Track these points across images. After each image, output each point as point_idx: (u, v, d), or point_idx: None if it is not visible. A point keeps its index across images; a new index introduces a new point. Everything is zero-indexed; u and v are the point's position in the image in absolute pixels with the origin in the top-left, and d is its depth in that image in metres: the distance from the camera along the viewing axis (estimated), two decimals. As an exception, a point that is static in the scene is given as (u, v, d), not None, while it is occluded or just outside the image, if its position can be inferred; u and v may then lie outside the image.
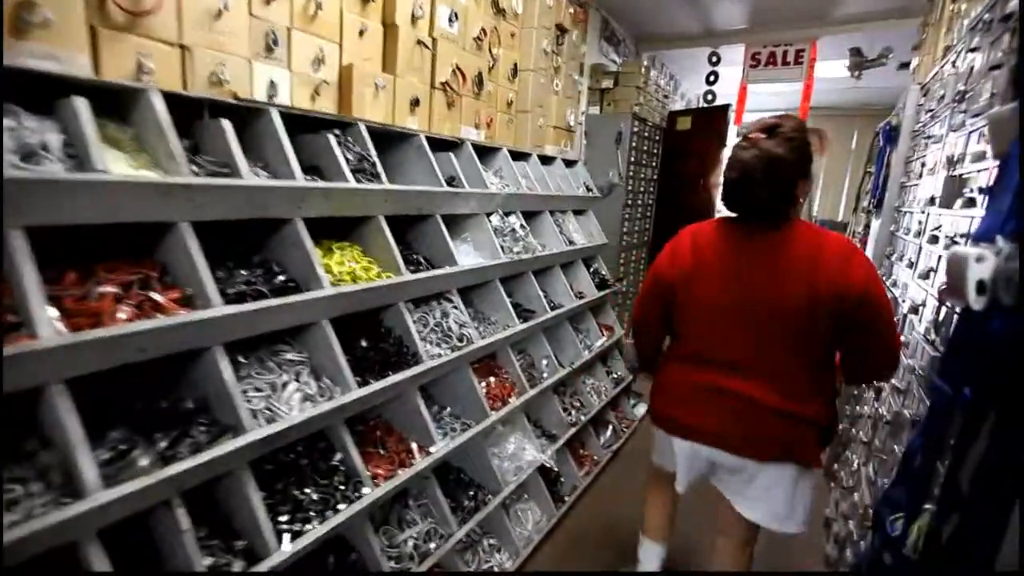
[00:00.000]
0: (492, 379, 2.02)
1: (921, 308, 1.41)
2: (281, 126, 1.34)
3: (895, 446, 1.38)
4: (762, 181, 1.15)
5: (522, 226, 2.22)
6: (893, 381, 1.55)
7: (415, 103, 1.88)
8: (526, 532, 2.01)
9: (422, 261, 1.76)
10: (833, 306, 1.12)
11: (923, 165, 1.82)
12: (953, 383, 0.74)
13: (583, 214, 3.06)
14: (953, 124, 1.41)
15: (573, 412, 2.47)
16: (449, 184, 1.89)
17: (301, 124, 1.49)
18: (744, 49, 3.98)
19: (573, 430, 2.40)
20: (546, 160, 2.75)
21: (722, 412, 1.29)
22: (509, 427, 2.10)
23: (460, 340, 1.76)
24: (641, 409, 3.33)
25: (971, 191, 1.17)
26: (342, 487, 1.32)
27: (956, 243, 1.19)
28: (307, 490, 1.25)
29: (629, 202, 4.07)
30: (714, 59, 4.19)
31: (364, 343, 1.55)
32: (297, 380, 1.34)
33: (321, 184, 1.38)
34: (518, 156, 2.50)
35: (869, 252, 2.59)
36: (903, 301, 1.71)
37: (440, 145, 2.00)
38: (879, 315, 1.10)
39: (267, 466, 1.27)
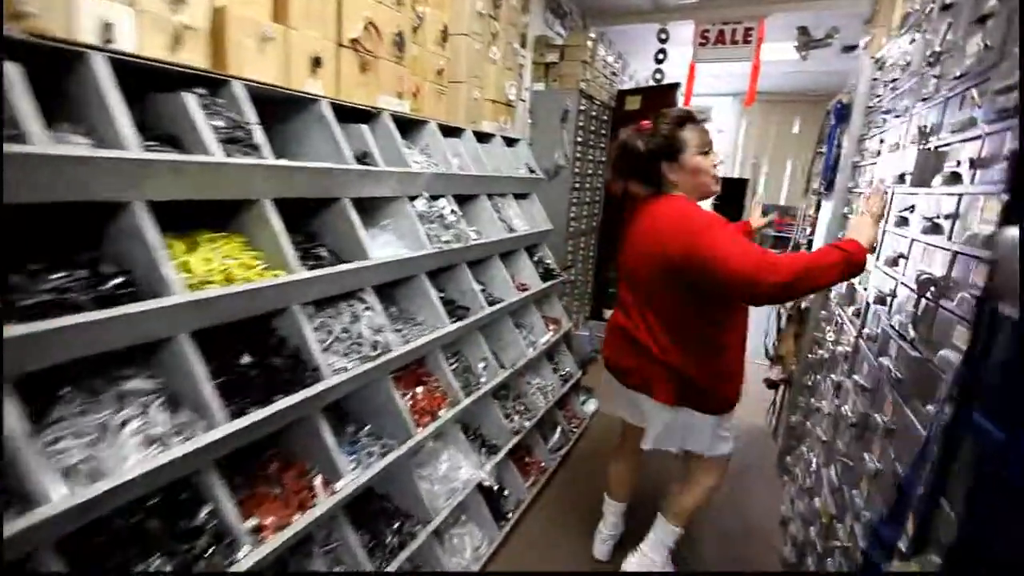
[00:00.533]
0: (420, 389, 1.75)
1: (890, 299, 1.26)
2: (109, 77, 1.00)
3: (864, 454, 1.24)
4: (616, 163, 1.57)
5: (453, 211, 1.94)
6: (857, 379, 1.41)
7: (316, 63, 1.55)
8: (464, 561, 1.78)
9: (325, 255, 1.45)
10: (665, 265, 1.40)
11: (882, 142, 1.68)
12: (1008, 424, 0.54)
13: (526, 198, 2.82)
14: (925, 92, 1.26)
15: (516, 418, 2.24)
16: (361, 161, 1.59)
17: (156, 81, 1.15)
18: (694, 26, 3.83)
19: (517, 438, 2.17)
20: (483, 137, 2.47)
21: (622, 347, 1.63)
22: (441, 442, 1.84)
23: (374, 348, 1.48)
24: (592, 405, 3.17)
25: (955, 165, 1.01)
26: (208, 552, 1.02)
27: (937, 225, 1.03)
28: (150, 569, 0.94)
29: (577, 185, 3.86)
30: (663, 36, 4.01)
31: (247, 359, 1.24)
32: (144, 415, 1.02)
33: (167, 156, 1.05)
34: (450, 132, 2.21)
35: (820, 235, 2.50)
36: (864, 289, 1.58)
37: (353, 115, 1.68)
38: (706, 270, 1.31)
39: (96, 538, 0.95)
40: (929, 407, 0.91)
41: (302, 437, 1.36)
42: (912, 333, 1.05)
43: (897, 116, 1.54)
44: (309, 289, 1.34)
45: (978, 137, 0.93)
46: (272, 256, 1.28)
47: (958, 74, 1.04)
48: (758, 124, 7.83)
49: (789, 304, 2.79)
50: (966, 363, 0.71)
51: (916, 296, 1.07)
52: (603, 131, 4.19)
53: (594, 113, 3.90)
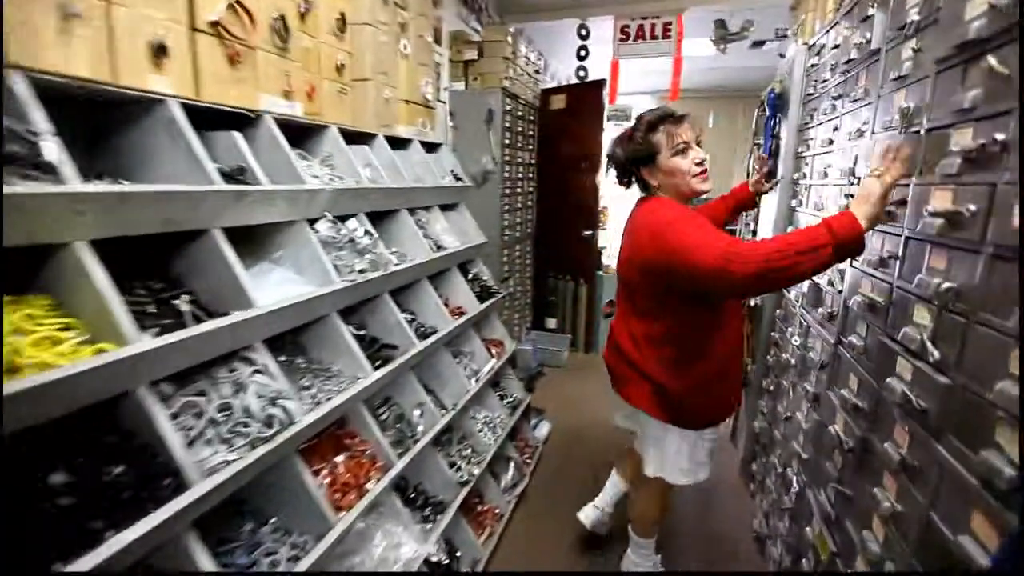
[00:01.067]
0: (341, 458, 1.40)
1: (887, 306, 1.10)
2: None
3: (874, 489, 1.06)
4: (610, 167, 1.52)
5: (368, 233, 1.61)
6: (847, 395, 1.24)
7: (160, 51, 1.16)
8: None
9: (187, 308, 1.07)
10: (641, 267, 1.39)
11: (836, 130, 1.56)
12: None
13: (454, 209, 2.52)
14: (897, 72, 1.10)
15: (464, 465, 1.93)
16: (234, 179, 1.22)
17: None
18: (614, 22, 3.71)
19: (466, 490, 1.86)
20: (399, 144, 2.15)
21: (612, 352, 1.63)
22: (374, 517, 1.49)
23: (269, 425, 1.11)
24: (545, 428, 2.92)
25: (957, 149, 0.84)
26: None
27: (957, 221, 0.85)
28: None
29: (507, 190, 3.61)
30: (583, 32, 3.87)
31: (61, 478, 0.84)
32: None
33: None
34: (358, 139, 1.86)
35: (766, 227, 2.40)
36: (839, 291, 1.43)
37: (226, 121, 1.31)
38: (673, 264, 1.25)
39: None
40: (984, 453, 0.73)
41: (165, 561, 0.98)
42: (935, 353, 0.87)
43: (855, 101, 1.41)
44: (160, 362, 0.96)
45: (1004, 114, 0.76)
46: (95, 322, 0.89)
47: (958, 43, 0.87)
48: (676, 121, 8.02)
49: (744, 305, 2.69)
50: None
51: (936, 308, 0.89)
52: (530, 132, 3.98)
53: (520, 113, 3.67)
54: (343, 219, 1.56)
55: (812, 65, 1.92)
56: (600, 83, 3.82)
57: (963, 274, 0.83)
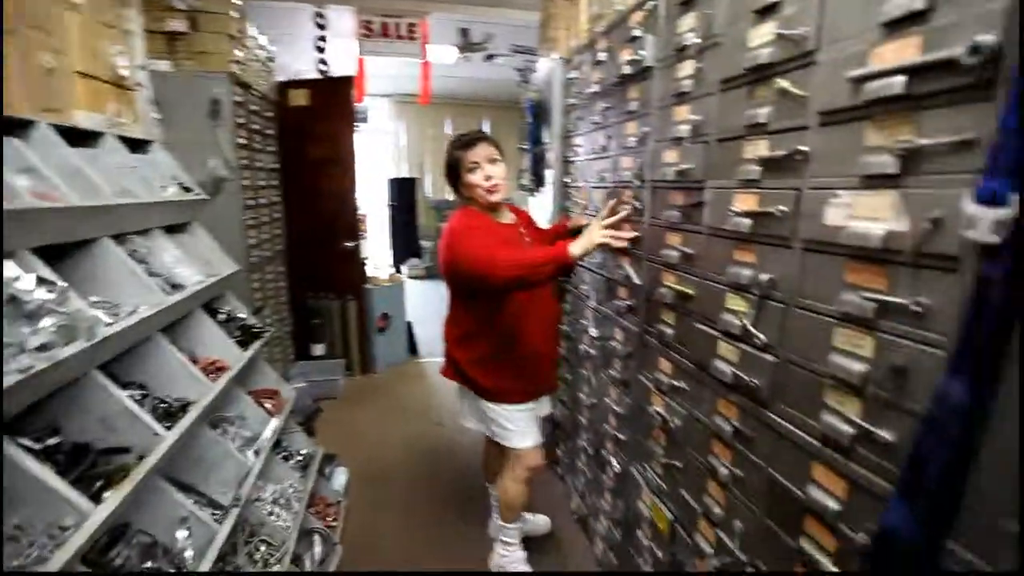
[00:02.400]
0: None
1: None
2: None
3: (707, 458, 1.18)
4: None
5: (45, 282, 0.99)
6: (661, 377, 1.36)
7: None
8: None
9: None
10: (443, 267, 1.66)
11: (609, 138, 1.71)
12: None
13: (184, 230, 1.87)
14: (682, 87, 1.23)
15: (261, 568, 1.44)
16: None
17: None
18: (355, 15, 3.40)
19: (271, 605, 1.39)
20: (81, 139, 1.44)
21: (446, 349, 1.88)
22: None
23: None
24: (342, 477, 2.50)
25: (754, 158, 0.97)
26: None
27: (762, 221, 0.98)
28: None
29: (251, 201, 2.95)
30: (320, 21, 3.44)
31: None
32: None
33: None
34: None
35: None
36: (638, 281, 1.57)
37: None
38: (456, 269, 1.60)
39: None
40: (824, 417, 0.84)
41: None
42: (761, 336, 0.99)
43: (630, 113, 1.55)
44: None
45: (802, 128, 0.89)
46: None
47: (747, 66, 0.99)
48: (416, 126, 8.12)
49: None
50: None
51: (756, 297, 1.01)
52: (269, 130, 3.34)
53: (255, 107, 3.02)
54: (-12, 262, 0.92)
55: (571, 78, 2.09)
56: (348, 80, 3.46)
57: (778, 266, 0.95)
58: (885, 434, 0.74)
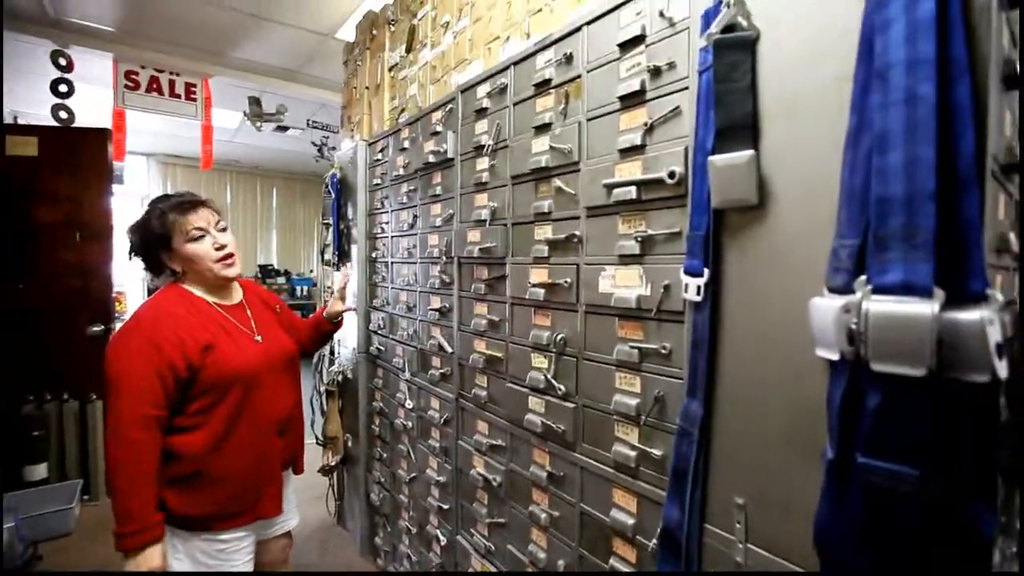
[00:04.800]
0: None
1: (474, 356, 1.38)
2: None
3: (528, 508, 1.28)
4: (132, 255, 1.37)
5: None
6: (480, 439, 1.45)
7: None
8: None
9: None
10: None
11: (416, 217, 1.84)
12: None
13: None
14: (481, 178, 1.44)
15: None
16: None
17: None
18: (113, 63, 2.96)
19: None
20: None
21: None
22: None
23: None
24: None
25: (543, 239, 1.20)
26: None
27: (552, 290, 1.18)
28: None
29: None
30: (62, 62, 2.87)
31: None
32: None
33: None
34: None
35: (349, 300, 2.48)
36: (451, 350, 1.66)
37: None
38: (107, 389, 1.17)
39: None
40: (615, 448, 1.03)
41: None
42: (561, 387, 1.17)
43: (435, 196, 1.71)
44: None
45: (574, 218, 1.14)
46: None
47: (531, 168, 1.23)
48: (185, 188, 7.14)
49: (326, 379, 2.64)
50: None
51: (553, 354, 1.20)
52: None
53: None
54: None
55: (376, 160, 2.19)
56: (102, 133, 2.91)
57: (568, 327, 1.16)
58: (656, 451, 0.95)
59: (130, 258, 1.37)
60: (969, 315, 0.55)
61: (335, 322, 1.79)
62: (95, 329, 3.00)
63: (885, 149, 0.60)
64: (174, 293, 1.31)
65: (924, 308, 0.55)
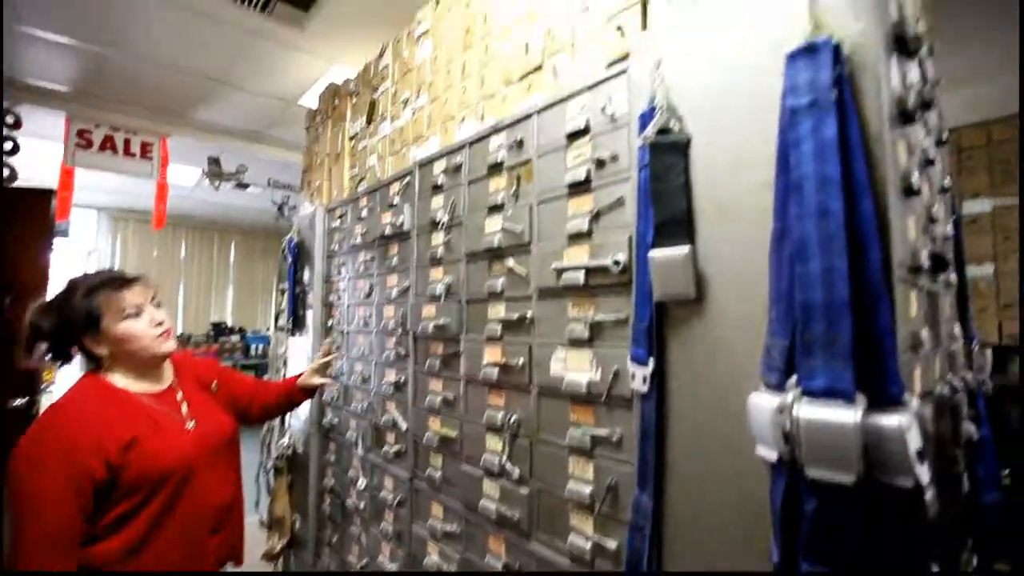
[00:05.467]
0: None
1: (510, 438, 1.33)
2: None
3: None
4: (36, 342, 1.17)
5: None
6: (437, 525, 1.37)
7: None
8: None
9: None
10: None
11: (372, 288, 1.81)
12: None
13: None
14: (438, 253, 1.45)
15: None
16: None
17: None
18: (66, 121, 2.90)
19: None
20: None
21: None
22: None
23: None
24: None
25: (496, 319, 1.20)
26: None
27: (506, 370, 1.17)
28: None
29: None
30: (10, 120, 2.79)
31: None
32: None
33: None
34: None
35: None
36: (403, 428, 1.60)
37: None
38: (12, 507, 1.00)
39: None
40: (570, 538, 0.99)
41: None
42: (515, 471, 1.13)
43: (392, 268, 1.70)
44: None
45: (526, 298, 1.14)
46: None
47: (485, 248, 1.25)
48: (140, 247, 6.89)
49: (275, 454, 2.48)
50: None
51: (508, 436, 1.16)
52: None
53: None
54: None
55: (334, 227, 2.18)
56: (46, 195, 2.78)
57: (522, 409, 1.14)
58: (611, 543, 0.92)
59: (29, 349, 1.16)
60: (889, 421, 0.57)
61: (310, 392, 1.68)
62: (18, 402, 2.75)
63: (805, 258, 0.63)
64: (90, 385, 1.16)
65: (848, 415, 0.57)
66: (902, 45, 0.73)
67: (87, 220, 6.53)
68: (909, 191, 0.72)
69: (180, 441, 1.18)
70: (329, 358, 1.69)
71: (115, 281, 1.21)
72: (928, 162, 0.95)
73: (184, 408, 1.26)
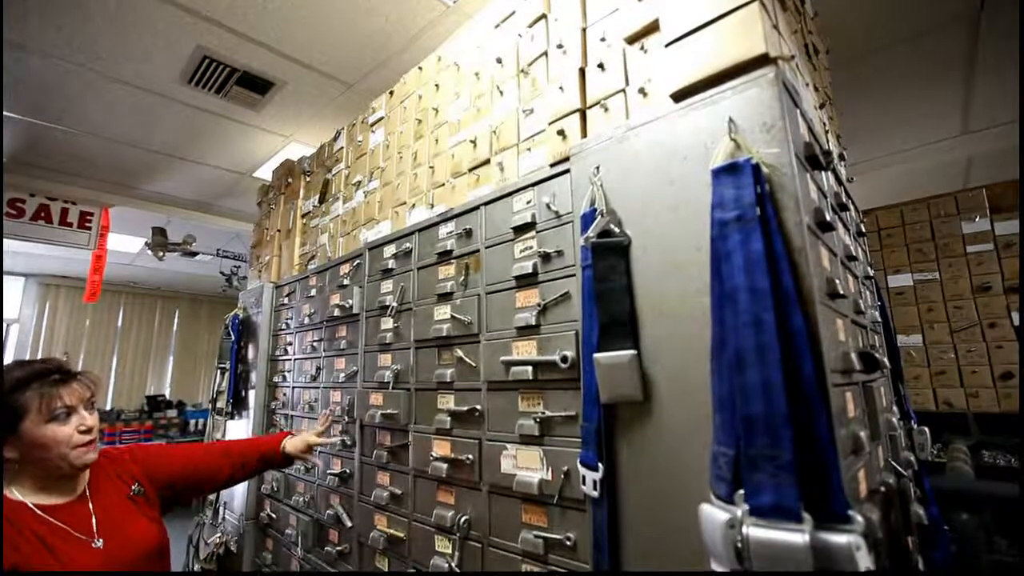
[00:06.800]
0: None
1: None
2: None
3: None
4: None
5: None
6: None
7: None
8: None
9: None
10: None
11: (319, 369, 1.73)
12: None
13: None
14: (386, 339, 1.40)
15: None
16: None
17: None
18: (-5, 192, 2.75)
19: None
20: None
21: None
22: None
23: None
24: None
25: (444, 408, 1.14)
26: None
27: (455, 465, 1.10)
28: None
29: None
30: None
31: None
32: None
33: None
34: None
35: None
36: (329, 513, 1.47)
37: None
38: None
39: None
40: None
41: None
42: (465, 583, 1.04)
43: (340, 351, 1.64)
44: None
45: (476, 389, 1.11)
46: None
47: (433, 336, 1.22)
48: (71, 315, 6.42)
49: (203, 554, 2.22)
50: None
51: (458, 538, 1.08)
52: None
53: None
54: None
55: (282, 304, 2.10)
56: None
57: (472, 508, 1.07)
58: (566, 670, 0.84)
59: None
60: (838, 539, 0.56)
61: (292, 458, 1.41)
62: None
63: (743, 367, 0.64)
64: None
65: (796, 536, 0.55)
66: (814, 162, 0.80)
67: (12, 288, 6.09)
68: (835, 295, 0.76)
69: (82, 564, 1.03)
70: (327, 441, 1.45)
71: (51, 376, 1.06)
72: (850, 258, 1.01)
73: (94, 523, 1.08)
